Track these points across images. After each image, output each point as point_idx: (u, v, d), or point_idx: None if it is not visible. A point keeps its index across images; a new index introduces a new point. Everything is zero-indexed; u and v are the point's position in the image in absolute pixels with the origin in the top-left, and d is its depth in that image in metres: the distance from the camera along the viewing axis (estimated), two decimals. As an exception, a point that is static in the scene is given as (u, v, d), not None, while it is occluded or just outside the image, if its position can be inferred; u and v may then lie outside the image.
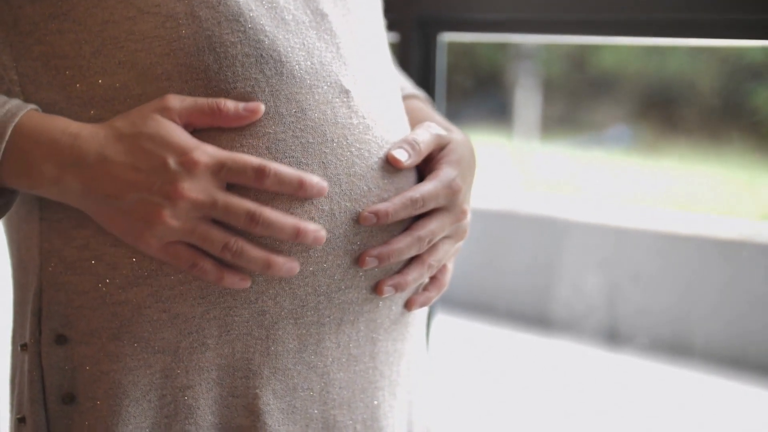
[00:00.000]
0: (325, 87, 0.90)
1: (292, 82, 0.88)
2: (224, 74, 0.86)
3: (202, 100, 0.84)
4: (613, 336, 3.01)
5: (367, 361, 0.95)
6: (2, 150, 0.83)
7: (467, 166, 0.98)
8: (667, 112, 3.31)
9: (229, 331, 0.87)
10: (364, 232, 0.90)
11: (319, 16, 0.93)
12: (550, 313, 3.42)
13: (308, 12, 0.92)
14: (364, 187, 0.90)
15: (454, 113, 1.52)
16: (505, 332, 3.65)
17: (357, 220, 0.89)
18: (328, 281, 0.89)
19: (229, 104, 0.85)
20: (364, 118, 0.92)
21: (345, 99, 0.91)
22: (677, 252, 3.07)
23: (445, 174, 0.94)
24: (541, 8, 1.33)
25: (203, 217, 0.83)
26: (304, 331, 0.90)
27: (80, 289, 0.87)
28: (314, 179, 0.86)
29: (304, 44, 0.90)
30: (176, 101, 0.84)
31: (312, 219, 0.87)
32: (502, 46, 3.58)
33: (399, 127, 0.97)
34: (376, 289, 0.92)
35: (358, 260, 0.90)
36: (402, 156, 0.92)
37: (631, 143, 3.57)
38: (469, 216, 0.99)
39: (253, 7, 0.88)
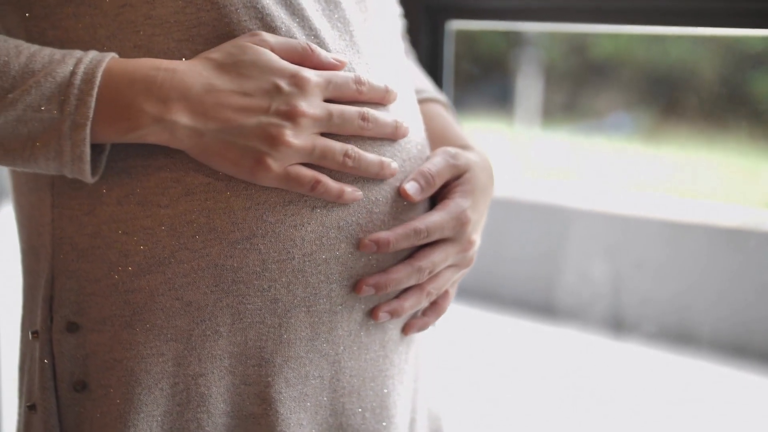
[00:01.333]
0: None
1: None
2: None
3: (299, 41, 0.86)
4: (618, 324, 3.01)
5: (377, 349, 0.95)
6: (94, 95, 0.80)
7: (482, 194, 0.98)
8: (668, 100, 3.31)
9: (241, 319, 0.87)
10: (376, 220, 0.90)
11: (333, 4, 0.92)
12: (554, 301, 3.42)
13: (321, 0, 0.92)
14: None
15: (455, 100, 1.52)
16: (509, 320, 3.65)
17: (358, 246, 0.90)
18: (340, 269, 0.89)
19: (320, 49, 0.87)
20: (376, 107, 0.92)
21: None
22: (682, 240, 3.07)
23: (455, 205, 0.94)
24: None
25: (318, 133, 0.85)
26: (316, 319, 0.90)
27: (92, 277, 0.87)
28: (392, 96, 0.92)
29: (317, 33, 0.90)
30: (270, 36, 0.85)
31: (325, 206, 0.88)
32: (504, 33, 3.58)
33: (411, 114, 0.97)
34: (372, 314, 0.93)
35: (354, 287, 0.90)
36: (413, 190, 0.92)
37: (633, 130, 3.57)
38: (477, 244, 0.98)
39: None
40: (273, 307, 0.88)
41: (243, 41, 0.84)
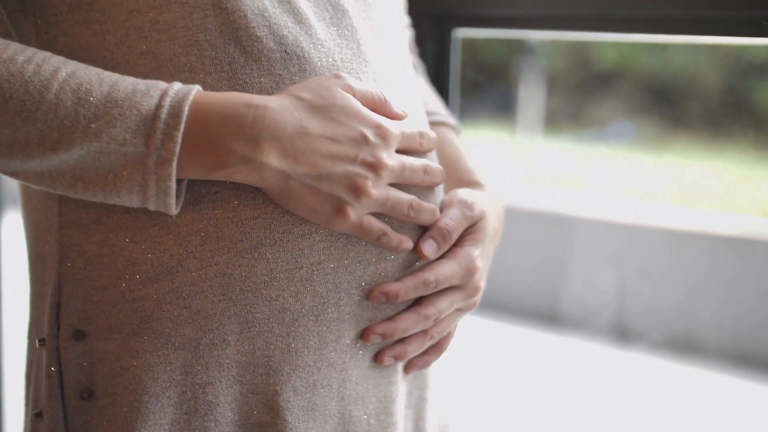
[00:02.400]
0: None
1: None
2: (249, 68, 0.86)
3: (375, 89, 0.88)
4: (622, 332, 3.01)
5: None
6: (182, 129, 0.79)
7: (491, 240, 0.99)
8: (671, 108, 3.31)
9: (249, 328, 0.87)
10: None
11: (340, 12, 0.92)
12: (557, 310, 3.42)
13: (329, 8, 0.92)
14: None
15: (457, 108, 1.52)
16: (511, 328, 3.65)
17: (367, 297, 0.91)
18: (348, 278, 0.89)
19: (392, 102, 0.89)
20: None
21: None
22: (685, 249, 3.07)
23: (465, 254, 0.95)
24: (557, 4, 1.33)
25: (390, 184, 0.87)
26: (324, 328, 0.90)
27: (99, 285, 0.87)
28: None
29: (325, 41, 0.90)
30: (354, 81, 0.86)
31: None
32: (506, 41, 3.58)
33: (418, 124, 0.97)
34: (376, 359, 0.94)
35: (362, 335, 0.92)
36: (430, 250, 0.93)
37: (635, 139, 3.57)
38: (482, 289, 1.00)
39: (276, 3, 0.88)
40: (281, 316, 0.87)
41: (330, 83, 0.85)
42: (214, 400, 0.88)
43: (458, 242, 0.96)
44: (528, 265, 3.63)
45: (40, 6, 0.87)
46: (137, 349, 0.86)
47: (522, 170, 4.07)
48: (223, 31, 0.85)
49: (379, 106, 0.88)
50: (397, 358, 0.95)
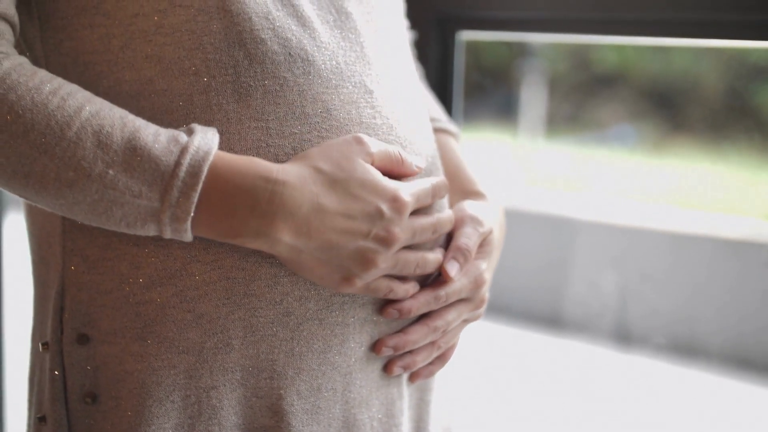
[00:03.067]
0: (350, 87, 0.90)
1: (318, 81, 0.88)
2: (254, 71, 0.85)
3: (391, 148, 0.89)
4: (623, 335, 3.01)
5: (384, 359, 0.95)
6: (198, 190, 0.79)
7: (497, 252, 1.02)
8: (671, 111, 3.31)
9: (254, 332, 0.87)
10: None
11: (344, 15, 0.92)
12: (558, 312, 3.42)
13: (333, 11, 0.92)
14: None
15: (461, 111, 1.52)
16: (512, 330, 3.65)
17: (380, 313, 0.93)
18: None
19: (407, 158, 0.90)
20: (387, 119, 0.92)
21: (369, 99, 0.91)
22: (687, 252, 3.07)
23: (474, 269, 0.97)
24: (559, 7, 1.33)
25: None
26: (329, 332, 0.89)
27: (103, 289, 0.87)
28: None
29: (329, 44, 0.90)
30: (374, 146, 0.87)
31: None
32: (508, 44, 3.58)
33: (421, 126, 0.97)
34: (386, 368, 0.95)
35: (374, 347, 0.93)
36: (454, 271, 0.95)
37: (636, 142, 3.57)
38: (487, 301, 1.02)
39: (280, 6, 0.88)
40: (285, 320, 0.87)
41: (352, 152, 0.85)
42: (218, 404, 0.88)
43: None
44: (529, 267, 3.63)
45: (46, 10, 0.87)
46: (141, 353, 0.86)
47: (523, 172, 4.07)
48: (228, 34, 0.85)
49: (396, 166, 0.88)
50: (405, 369, 0.96)
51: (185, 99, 0.85)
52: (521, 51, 3.73)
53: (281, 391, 0.89)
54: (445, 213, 0.94)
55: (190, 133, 0.82)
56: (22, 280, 0.99)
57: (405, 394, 0.99)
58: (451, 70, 1.42)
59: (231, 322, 0.86)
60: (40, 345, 0.91)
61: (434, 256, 0.92)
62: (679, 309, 2.98)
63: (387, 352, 0.93)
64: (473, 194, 1.05)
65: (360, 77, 0.91)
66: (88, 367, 0.87)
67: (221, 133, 0.84)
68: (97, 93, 0.86)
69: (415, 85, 1.01)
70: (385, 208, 0.84)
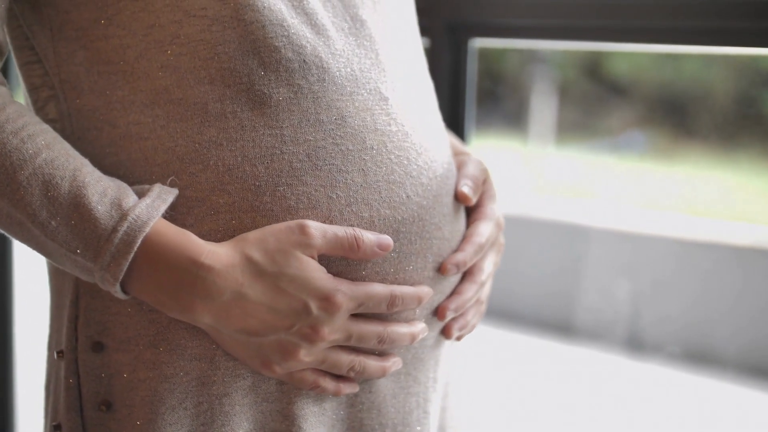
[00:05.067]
0: (365, 94, 0.90)
1: (333, 89, 0.88)
2: (268, 78, 0.86)
3: (342, 234, 0.85)
4: (634, 341, 3.00)
5: (398, 368, 0.95)
6: (129, 260, 0.81)
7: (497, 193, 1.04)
8: (680, 119, 3.31)
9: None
10: (403, 239, 0.90)
11: (359, 22, 0.92)
12: (568, 318, 3.41)
13: (347, 18, 0.92)
14: (403, 195, 0.90)
15: (473, 118, 1.52)
16: (523, 337, 3.64)
17: (440, 270, 0.93)
18: None
19: (366, 240, 0.86)
20: (402, 125, 0.92)
21: (384, 106, 0.91)
22: (697, 258, 3.06)
23: (491, 211, 0.99)
24: (571, 15, 1.33)
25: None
26: None
27: (116, 297, 0.87)
28: (426, 294, 0.91)
29: (344, 51, 0.90)
30: (319, 237, 0.84)
31: (351, 225, 0.87)
32: (518, 51, 3.58)
33: (436, 133, 0.97)
34: (444, 332, 0.96)
35: (436, 313, 0.94)
36: (471, 192, 0.97)
37: (645, 149, 3.57)
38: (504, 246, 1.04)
39: (294, 14, 0.88)
40: None
41: (289, 245, 0.83)
42: (230, 410, 0.88)
43: (478, 202, 1.00)
44: (540, 275, 3.63)
45: (60, 21, 0.88)
46: (153, 360, 0.86)
47: (533, 179, 4.07)
48: (242, 42, 0.86)
49: (349, 252, 0.86)
50: (462, 330, 0.97)
51: (200, 107, 0.85)
52: (532, 58, 3.73)
53: (291, 395, 0.89)
54: (402, 326, 0.90)
55: (142, 194, 0.83)
56: (35, 290, 0.99)
57: (432, 400, 0.99)
58: (464, 77, 1.42)
59: None
60: (55, 353, 0.91)
61: (378, 364, 0.90)
62: (691, 316, 2.97)
63: (450, 315, 0.94)
64: (460, 154, 1.05)
65: (375, 84, 0.91)
66: (103, 375, 0.88)
67: (236, 141, 0.85)
68: (110, 102, 0.87)
69: (430, 92, 1.01)
70: (313, 306, 0.83)
